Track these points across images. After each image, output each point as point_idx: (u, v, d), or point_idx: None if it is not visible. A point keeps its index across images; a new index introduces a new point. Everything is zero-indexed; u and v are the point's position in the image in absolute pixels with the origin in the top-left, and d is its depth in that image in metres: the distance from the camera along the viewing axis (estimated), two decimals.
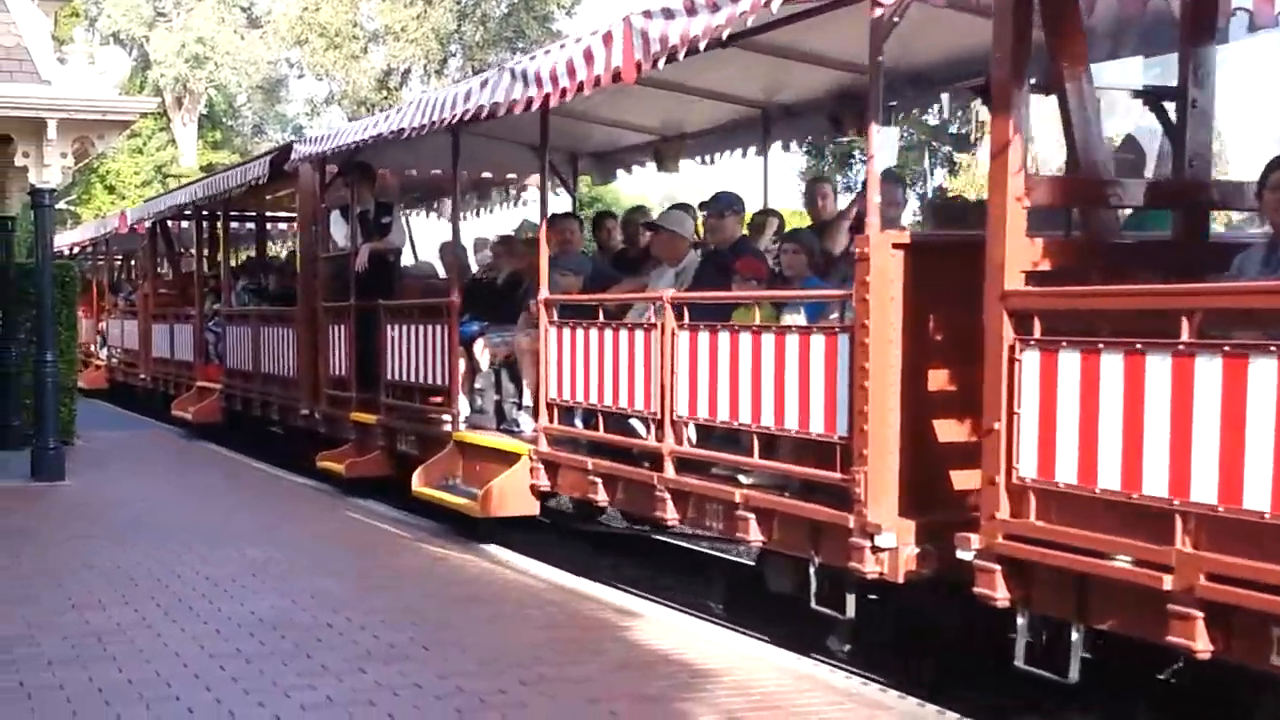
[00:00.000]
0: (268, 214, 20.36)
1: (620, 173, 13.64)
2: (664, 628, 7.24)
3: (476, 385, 10.89)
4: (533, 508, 9.50)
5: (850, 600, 6.57)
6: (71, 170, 14.03)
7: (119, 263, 28.91)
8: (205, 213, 18.75)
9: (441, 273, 13.33)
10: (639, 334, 8.14)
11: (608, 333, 8.49)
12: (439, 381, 10.94)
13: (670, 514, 7.82)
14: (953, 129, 26.62)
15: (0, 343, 15.50)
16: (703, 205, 9.30)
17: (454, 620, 7.34)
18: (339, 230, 13.06)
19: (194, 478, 14.09)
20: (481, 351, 10.81)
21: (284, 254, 21.75)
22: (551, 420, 9.22)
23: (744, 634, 7.61)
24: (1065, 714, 6.27)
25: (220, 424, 17.15)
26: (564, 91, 7.73)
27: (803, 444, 6.85)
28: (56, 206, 15.33)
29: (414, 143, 10.84)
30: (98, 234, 26.04)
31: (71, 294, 16.72)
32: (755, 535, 7.12)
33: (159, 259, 22.32)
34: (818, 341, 6.65)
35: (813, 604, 6.71)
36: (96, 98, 12.94)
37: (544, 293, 9.23)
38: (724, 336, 7.36)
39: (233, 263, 20.06)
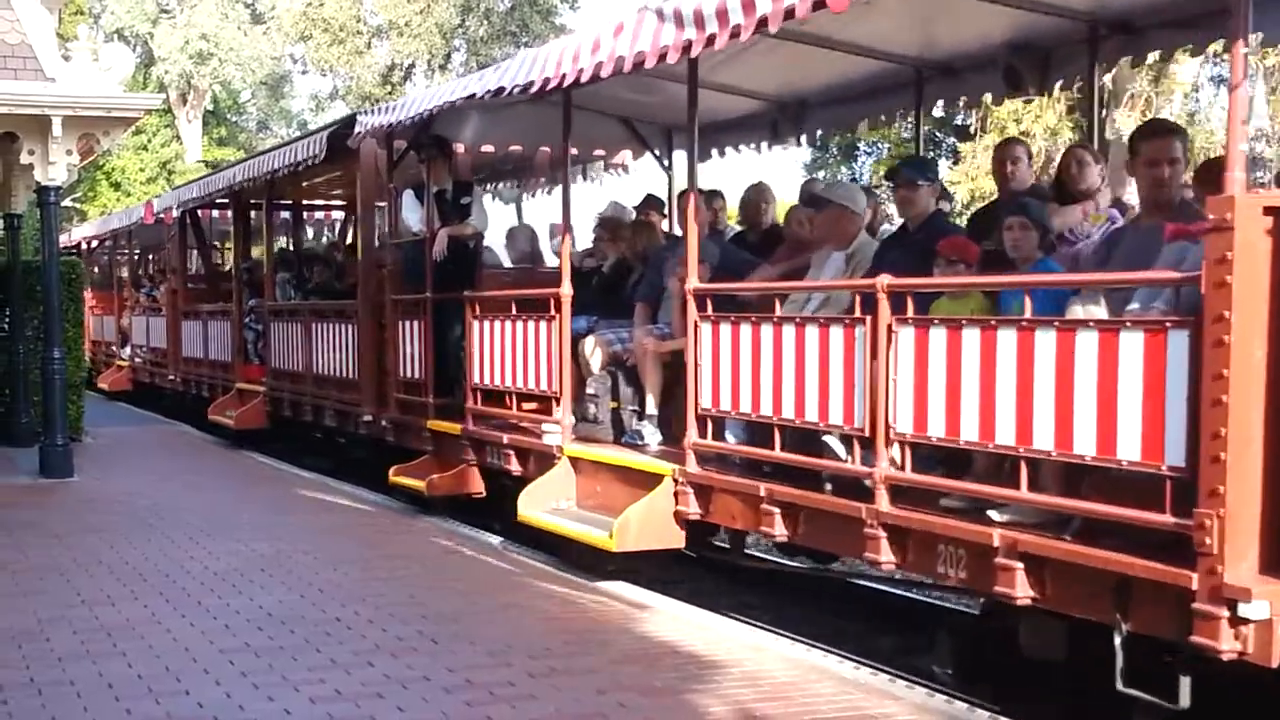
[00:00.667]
0: (304, 202, 19.39)
1: (713, 152, 11.74)
2: (672, 619, 7.25)
3: (588, 391, 9.29)
4: (676, 539, 7.89)
5: (1185, 685, 4.96)
6: (77, 167, 14.05)
7: (141, 257, 27.48)
8: (244, 200, 17.24)
9: (506, 261, 12.55)
10: (836, 332, 6.63)
11: (788, 330, 6.97)
12: (543, 387, 9.38)
13: (885, 555, 6.24)
14: (957, 120, 26.57)
15: (8, 340, 15.57)
16: (889, 175, 8.29)
17: (461, 613, 7.34)
18: (412, 213, 11.52)
19: (204, 474, 14.09)
20: (593, 351, 9.45)
21: (321, 244, 20.74)
22: (704, 435, 7.68)
23: (752, 625, 7.61)
24: None
25: (264, 430, 15.71)
26: (736, 30, 6.27)
27: (1077, 471, 5.47)
28: (62, 204, 15.38)
29: (484, 116, 10.19)
30: (119, 226, 24.53)
31: (78, 291, 16.76)
32: (1023, 590, 5.48)
33: (188, 251, 20.90)
34: (1131, 341, 5.09)
35: (1119, 685, 5.13)
36: (101, 94, 12.97)
37: (692, 281, 7.72)
38: (970, 335, 5.81)
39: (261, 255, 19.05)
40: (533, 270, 12.22)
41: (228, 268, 21.28)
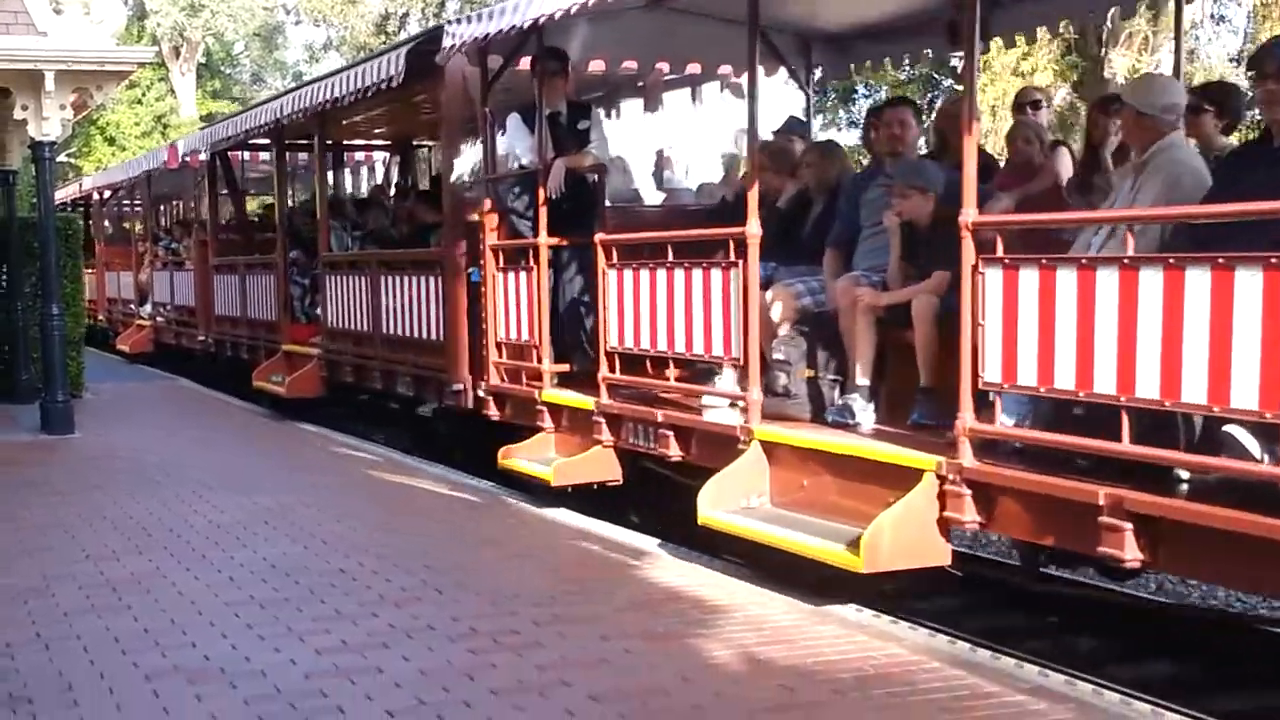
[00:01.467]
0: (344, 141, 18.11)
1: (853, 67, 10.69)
2: (676, 567, 7.27)
3: (774, 356, 7.42)
4: (941, 555, 6.16)
5: None
6: (71, 122, 13.98)
7: (160, 206, 25.80)
8: (286, 138, 15.23)
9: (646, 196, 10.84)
10: (1248, 276, 4.70)
11: (1150, 276, 5.06)
12: (716, 351, 7.58)
13: None
14: (955, 63, 26.39)
15: (6, 298, 15.56)
16: (1251, 63, 6.87)
17: (466, 563, 7.37)
18: (520, 141, 9.62)
19: (207, 428, 14.11)
20: (775, 305, 7.77)
21: (365, 189, 19.38)
22: (993, 418, 5.84)
23: (754, 571, 7.63)
24: None
25: (319, 398, 13.93)
26: None
27: None
28: (57, 159, 15.32)
29: (590, 28, 9.07)
30: (135, 173, 22.37)
31: (76, 246, 16.70)
32: None
33: (218, 198, 18.74)
34: None
35: None
36: (93, 48, 12.89)
37: (969, 213, 5.89)
38: None
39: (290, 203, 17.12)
40: (677, 209, 10.48)
41: (256, 217, 20.41)
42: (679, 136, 12.48)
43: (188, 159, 18.41)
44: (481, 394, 10.09)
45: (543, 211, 9.12)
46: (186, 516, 8.73)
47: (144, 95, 43.73)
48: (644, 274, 8.17)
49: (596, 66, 10.88)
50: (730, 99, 11.79)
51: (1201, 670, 6.77)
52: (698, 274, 7.66)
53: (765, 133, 9.16)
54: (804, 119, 10.42)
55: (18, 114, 13.01)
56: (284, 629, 5.98)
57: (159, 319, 21.75)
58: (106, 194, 26.22)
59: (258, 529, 8.29)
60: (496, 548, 7.81)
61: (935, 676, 5.26)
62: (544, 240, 9.14)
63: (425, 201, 13.12)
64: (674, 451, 7.92)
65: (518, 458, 9.20)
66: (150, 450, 12.08)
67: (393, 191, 16.99)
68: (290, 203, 16.70)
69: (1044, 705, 4.95)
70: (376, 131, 17.46)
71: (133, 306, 23.75)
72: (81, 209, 27.67)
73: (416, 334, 11.35)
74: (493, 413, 9.95)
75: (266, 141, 15.91)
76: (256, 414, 15.04)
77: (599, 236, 8.61)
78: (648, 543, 7.91)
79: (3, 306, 15.61)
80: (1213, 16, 25.31)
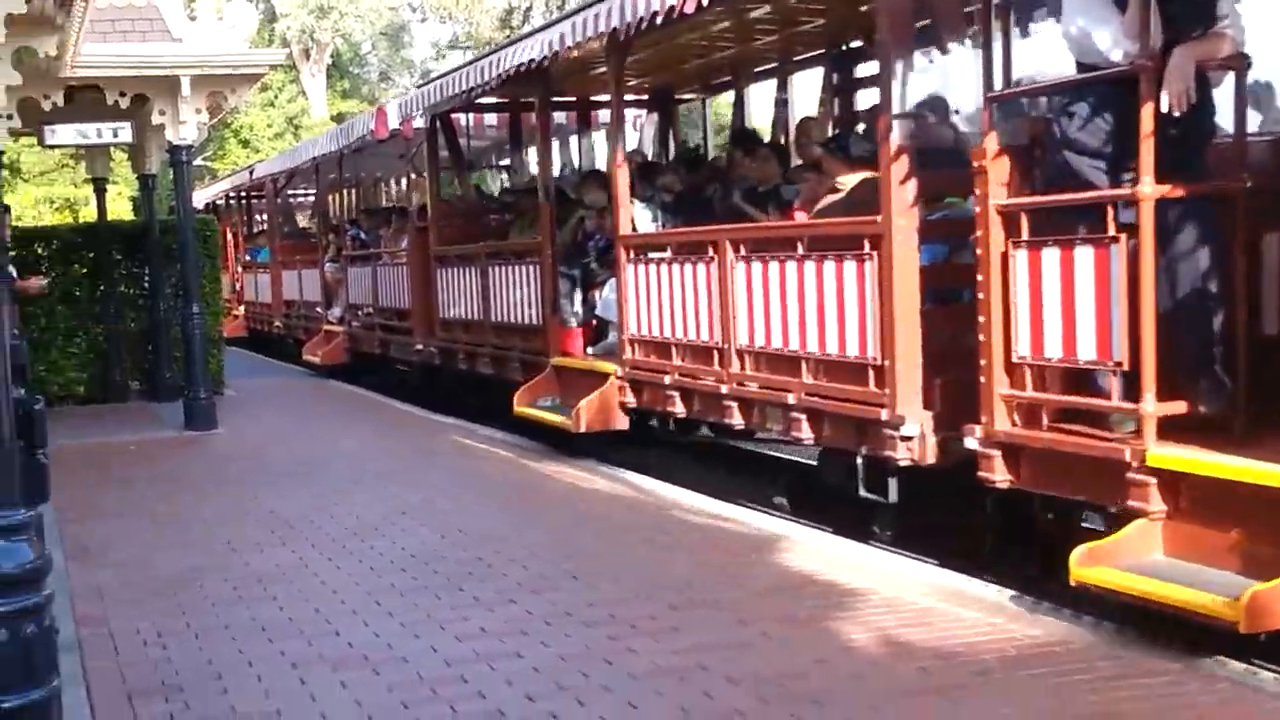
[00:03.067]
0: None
1: None
2: (810, 550, 7.22)
3: None
4: None
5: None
6: (206, 126, 14.32)
7: (351, 188, 23.40)
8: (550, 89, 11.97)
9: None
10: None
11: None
12: None
13: None
14: None
15: (148, 298, 16.00)
16: None
17: (603, 550, 7.40)
18: (1099, 13, 5.74)
19: (345, 424, 14.34)
20: None
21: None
22: None
23: (890, 551, 7.55)
24: None
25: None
26: None
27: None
28: (194, 163, 15.69)
29: None
30: (323, 152, 18.54)
31: (214, 247, 17.13)
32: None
33: (439, 174, 15.16)
34: None
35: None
36: (227, 53, 13.20)
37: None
38: None
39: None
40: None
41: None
42: None
43: (399, 127, 14.64)
44: (976, 445, 6.32)
45: (1146, 144, 5.37)
46: (327, 509, 8.89)
47: (276, 98, 44.62)
48: None
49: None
50: None
51: None
52: None
53: None
54: None
55: (155, 119, 13.35)
56: (424, 616, 6.06)
57: (354, 324, 18.14)
58: (282, 181, 23.25)
59: (397, 520, 8.41)
60: (632, 534, 7.83)
61: (1078, 659, 5.16)
62: (1149, 190, 5.38)
63: (766, 153, 10.49)
64: None
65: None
66: (290, 445, 12.33)
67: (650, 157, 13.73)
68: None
69: (1194, 685, 4.84)
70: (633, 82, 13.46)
71: (317, 310, 20.39)
72: (238, 203, 27.69)
73: (817, 348, 7.70)
74: (999, 475, 6.22)
75: (500, 101, 14.10)
76: (405, 412, 15.23)
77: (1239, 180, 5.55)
78: (783, 525, 7.88)
79: (145, 307, 16.06)
80: None
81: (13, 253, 13.66)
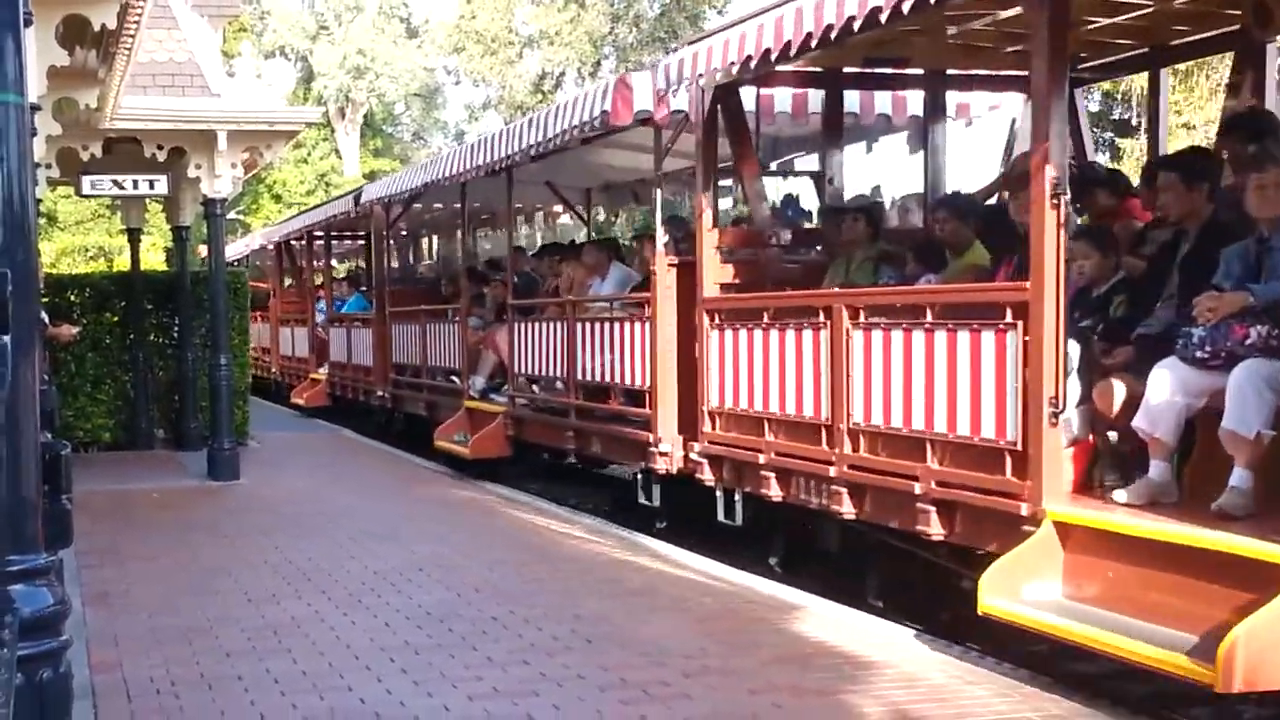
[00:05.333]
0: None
1: None
2: (822, 620, 7.21)
3: None
4: None
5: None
6: (241, 180, 14.52)
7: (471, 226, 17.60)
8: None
9: None
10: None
11: None
12: None
13: None
14: (1115, 114, 25.95)
15: (177, 348, 16.14)
16: None
17: (615, 613, 7.40)
18: None
19: (365, 478, 14.38)
20: None
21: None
22: None
23: (903, 625, 7.52)
24: None
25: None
26: None
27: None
28: (227, 216, 15.88)
29: None
30: (406, 186, 15.44)
31: (243, 300, 17.27)
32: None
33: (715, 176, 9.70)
34: None
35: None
36: (264, 109, 13.39)
37: None
38: None
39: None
40: None
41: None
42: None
43: (650, 109, 9.48)
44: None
45: None
46: (344, 563, 8.92)
47: (309, 154, 45.09)
48: None
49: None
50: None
51: None
52: None
53: None
54: None
55: (191, 172, 13.54)
56: (437, 674, 6.07)
57: (521, 404, 13.12)
58: (397, 210, 17.89)
59: (412, 576, 8.43)
60: (645, 598, 7.83)
61: None
62: None
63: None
64: None
65: None
66: (311, 497, 12.38)
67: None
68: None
69: None
70: None
71: (452, 379, 15.31)
72: (302, 245, 23.80)
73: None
74: None
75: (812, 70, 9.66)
76: (421, 466, 15.28)
77: None
78: (796, 595, 7.86)
79: (174, 356, 16.20)
80: None
81: (45, 299, 13.81)
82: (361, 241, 23.94)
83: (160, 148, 13.41)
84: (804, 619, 7.23)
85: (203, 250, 18.53)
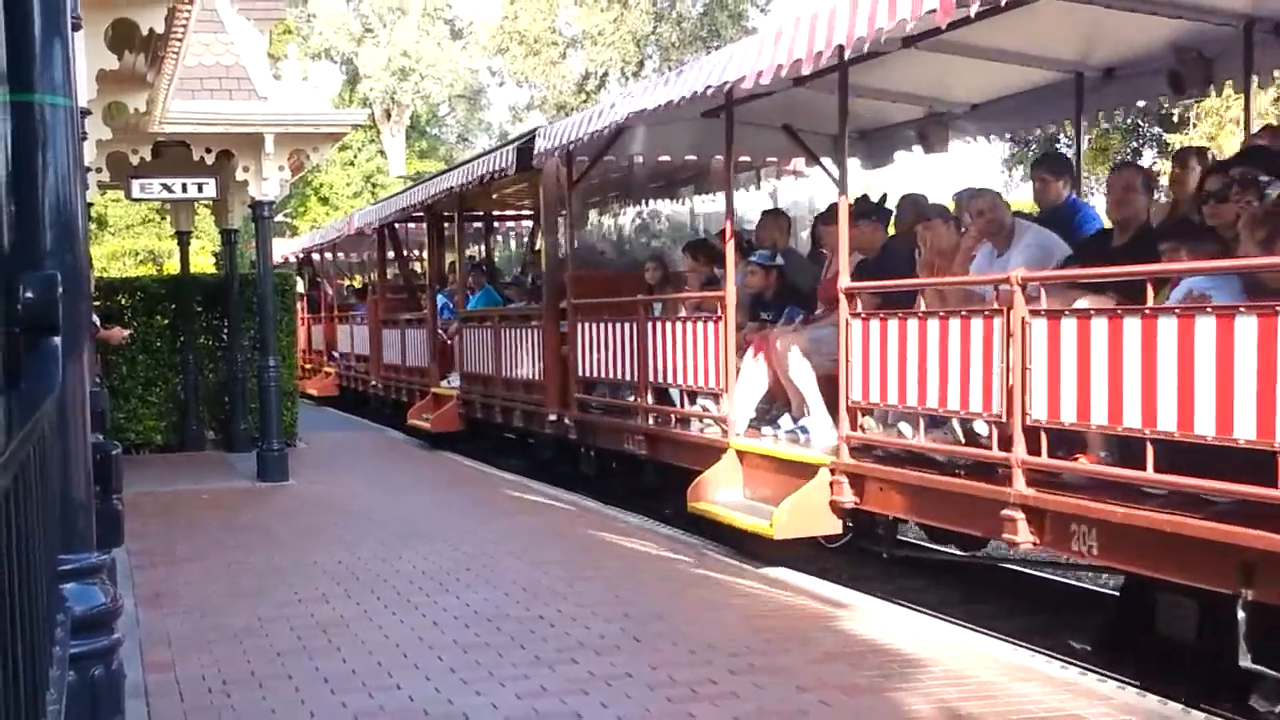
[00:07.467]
0: None
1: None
2: (871, 618, 7.19)
3: None
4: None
5: None
6: (288, 183, 14.61)
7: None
8: None
9: None
10: None
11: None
12: None
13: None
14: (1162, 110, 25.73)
15: (226, 350, 16.28)
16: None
17: (662, 611, 7.40)
18: None
19: (412, 477, 14.44)
20: None
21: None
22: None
23: (952, 623, 7.49)
24: None
25: None
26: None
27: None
28: (275, 219, 15.99)
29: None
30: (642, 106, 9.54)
31: (291, 301, 17.38)
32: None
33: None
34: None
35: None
36: (310, 112, 13.48)
37: None
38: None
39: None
40: None
41: None
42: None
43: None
44: None
45: None
46: (393, 562, 8.96)
47: (355, 157, 45.34)
48: None
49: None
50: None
51: None
52: None
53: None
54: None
55: (239, 175, 13.65)
56: (485, 673, 6.09)
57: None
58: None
59: (460, 575, 8.46)
60: (693, 597, 7.82)
61: None
62: None
63: None
64: None
65: None
66: (360, 498, 12.44)
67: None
68: None
69: None
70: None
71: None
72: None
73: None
74: None
75: None
76: (469, 467, 15.31)
77: None
78: (845, 594, 7.84)
79: (223, 359, 16.34)
80: None
81: (97, 303, 13.95)
82: (490, 223, 20.88)
83: (208, 151, 13.52)
84: (853, 617, 7.20)
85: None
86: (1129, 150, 27.03)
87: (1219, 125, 22.32)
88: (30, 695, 2.60)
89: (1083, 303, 6.50)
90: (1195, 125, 24.16)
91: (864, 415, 8.28)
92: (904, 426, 7.95)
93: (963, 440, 7.47)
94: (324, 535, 10.22)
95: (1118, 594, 7.61)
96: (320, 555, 9.31)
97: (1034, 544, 6.55)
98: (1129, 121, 24.32)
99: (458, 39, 48.65)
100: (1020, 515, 6.53)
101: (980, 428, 7.21)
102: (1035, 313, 6.54)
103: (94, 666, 3.88)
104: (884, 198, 10.27)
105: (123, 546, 7.72)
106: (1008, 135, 10.56)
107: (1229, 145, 21.04)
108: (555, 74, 42.48)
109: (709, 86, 8.34)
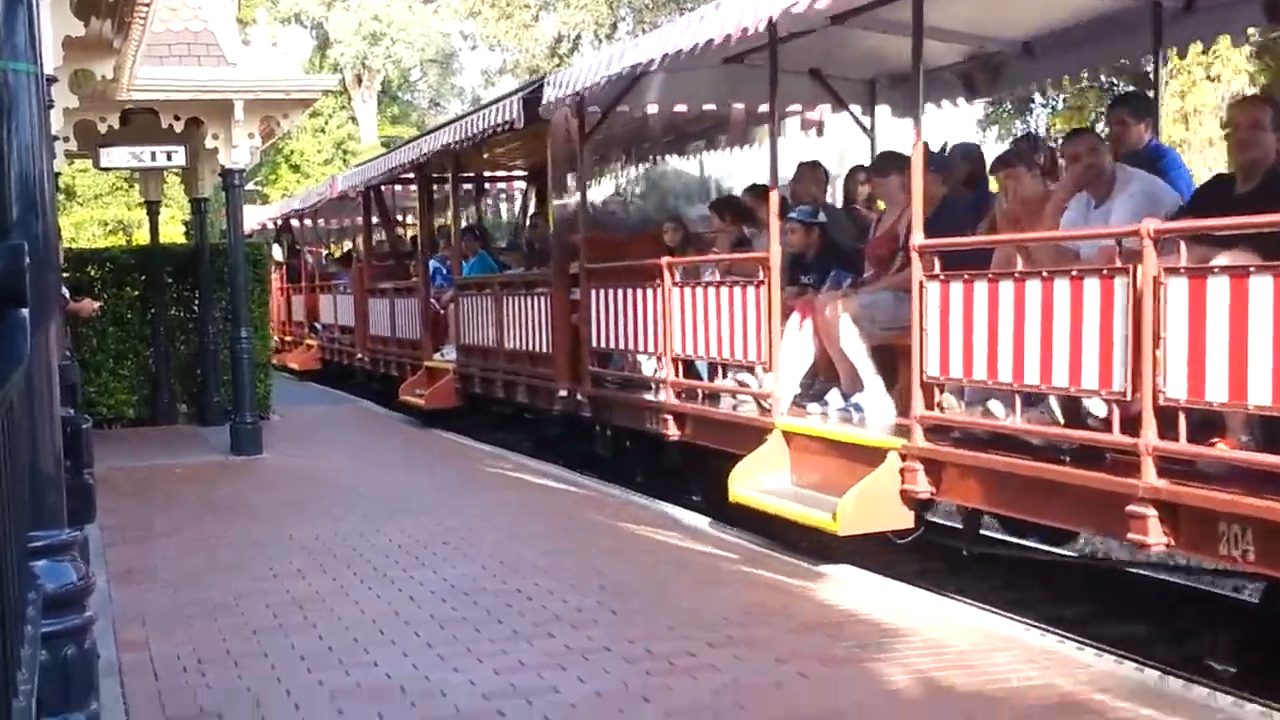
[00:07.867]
0: None
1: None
2: (851, 588, 7.18)
3: None
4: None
5: None
6: (259, 150, 14.47)
7: None
8: None
9: None
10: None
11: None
12: None
13: None
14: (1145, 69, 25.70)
15: (198, 322, 16.14)
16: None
17: (640, 584, 7.37)
18: None
19: (389, 451, 14.38)
20: None
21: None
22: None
23: (933, 593, 7.49)
24: None
25: None
26: None
27: None
28: (245, 187, 15.85)
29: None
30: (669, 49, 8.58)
31: (264, 272, 17.24)
32: None
33: None
34: None
35: None
36: (280, 78, 13.35)
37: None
38: None
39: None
40: None
41: None
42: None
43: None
44: None
45: None
46: (369, 536, 8.90)
47: (326, 123, 45.00)
48: None
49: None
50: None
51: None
52: None
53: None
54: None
55: (209, 143, 13.51)
56: (463, 649, 6.05)
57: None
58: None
59: (437, 549, 8.41)
60: (670, 568, 7.79)
61: (1122, 707, 5.09)
62: None
63: None
64: None
65: None
66: (335, 471, 12.37)
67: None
68: None
69: None
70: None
71: None
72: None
73: None
74: None
75: None
76: (445, 438, 15.25)
77: None
78: (824, 564, 7.82)
79: (195, 330, 16.21)
80: None
81: (66, 274, 13.81)
82: (481, 185, 19.76)
83: (177, 118, 13.37)
84: (831, 586, 7.19)
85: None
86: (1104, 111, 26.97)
87: (1191, 83, 22.27)
88: (1, 674, 2.55)
89: (1221, 259, 5.47)
90: (1167, 84, 24.12)
91: (941, 393, 7.13)
92: (994, 405, 6.77)
93: (1061, 421, 6.39)
94: (299, 509, 10.15)
95: (1256, 603, 6.81)
96: (296, 529, 9.24)
97: (1168, 545, 5.59)
98: (1106, 80, 24.23)
99: (429, 2, 48.25)
100: (1151, 511, 5.53)
101: (1095, 406, 6.17)
102: (1172, 270, 5.44)
103: (66, 645, 3.83)
104: (944, 146, 9.30)
105: (95, 522, 7.69)
106: (1066, 78, 9.44)
107: (1200, 102, 21.09)
108: (528, 37, 42.13)
109: (758, 20, 7.18)
